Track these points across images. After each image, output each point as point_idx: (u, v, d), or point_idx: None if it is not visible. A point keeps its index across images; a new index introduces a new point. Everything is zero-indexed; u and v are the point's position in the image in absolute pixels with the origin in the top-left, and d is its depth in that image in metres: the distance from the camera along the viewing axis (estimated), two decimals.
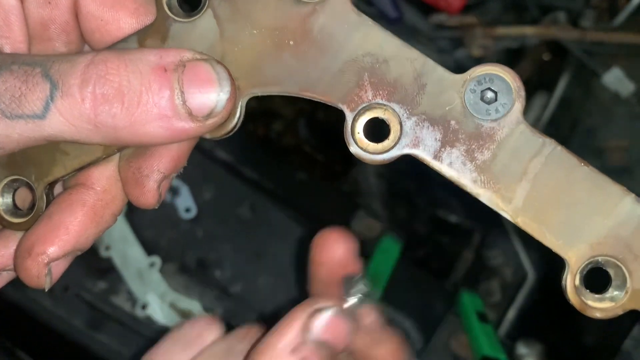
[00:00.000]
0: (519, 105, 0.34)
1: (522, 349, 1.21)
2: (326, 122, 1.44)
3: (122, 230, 1.10)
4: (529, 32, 1.38)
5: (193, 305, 1.07)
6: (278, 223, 1.16)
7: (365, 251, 1.17)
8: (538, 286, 1.31)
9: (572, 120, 1.36)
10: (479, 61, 1.43)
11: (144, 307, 1.07)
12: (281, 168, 1.28)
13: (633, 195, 0.32)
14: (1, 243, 0.42)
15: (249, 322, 1.20)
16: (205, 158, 1.18)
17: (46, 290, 0.40)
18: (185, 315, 1.06)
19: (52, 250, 0.39)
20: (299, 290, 1.12)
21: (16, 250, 0.40)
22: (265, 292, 1.12)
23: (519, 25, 1.40)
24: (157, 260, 1.10)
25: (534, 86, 1.43)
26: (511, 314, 1.32)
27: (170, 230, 1.14)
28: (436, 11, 1.41)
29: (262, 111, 1.42)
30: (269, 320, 0.43)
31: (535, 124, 1.39)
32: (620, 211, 0.33)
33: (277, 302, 1.12)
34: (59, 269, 0.40)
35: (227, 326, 1.08)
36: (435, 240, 1.40)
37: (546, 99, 1.41)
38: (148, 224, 1.13)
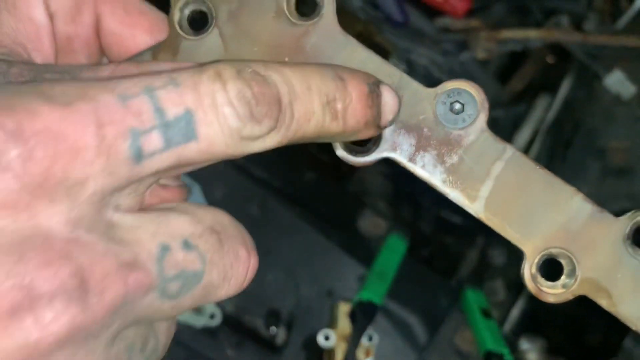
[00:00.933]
0: (483, 116, 0.38)
1: (524, 344, 1.23)
2: None
3: None
4: (532, 35, 1.40)
5: None
6: (286, 221, 1.19)
7: (372, 249, 1.20)
8: None
9: (575, 122, 1.39)
10: (483, 64, 1.46)
11: None
12: (289, 168, 1.30)
13: (582, 194, 0.36)
14: None
15: (258, 317, 1.23)
16: None
17: None
18: (196, 311, 1.09)
19: None
20: (307, 285, 1.15)
21: None
22: (274, 287, 1.15)
23: (522, 29, 1.42)
24: None
25: (537, 88, 1.46)
26: (515, 312, 1.33)
27: None
28: (441, 15, 1.44)
29: None
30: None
31: (539, 125, 1.42)
32: (570, 208, 0.37)
33: (286, 298, 1.15)
34: None
35: (238, 321, 1.11)
36: (440, 240, 1.42)
37: (549, 100, 1.43)
38: None
